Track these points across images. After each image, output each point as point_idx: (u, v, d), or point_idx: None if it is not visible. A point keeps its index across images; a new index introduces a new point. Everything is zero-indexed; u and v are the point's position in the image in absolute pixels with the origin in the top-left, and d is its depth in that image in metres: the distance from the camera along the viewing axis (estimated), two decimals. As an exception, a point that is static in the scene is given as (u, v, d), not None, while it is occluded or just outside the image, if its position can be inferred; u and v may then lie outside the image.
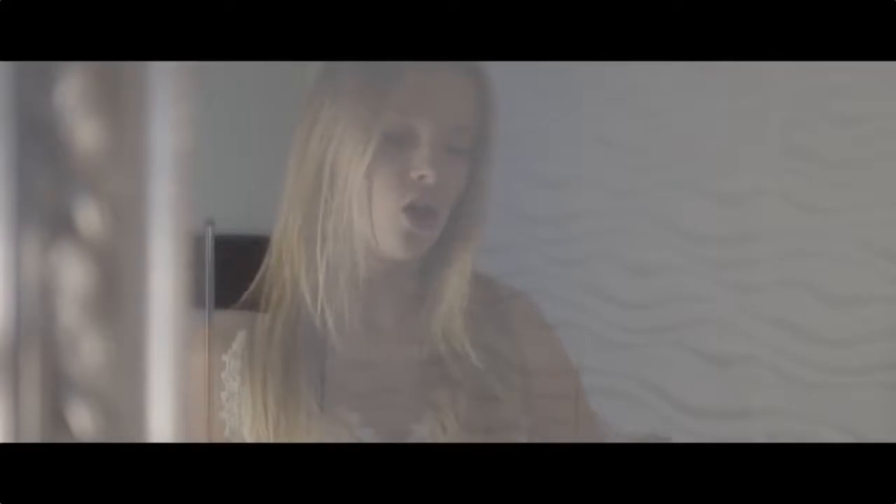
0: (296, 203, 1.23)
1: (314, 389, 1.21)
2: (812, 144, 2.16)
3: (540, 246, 2.77)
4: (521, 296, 1.36)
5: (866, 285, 2.07)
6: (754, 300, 2.28)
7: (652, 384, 2.31)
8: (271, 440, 1.19)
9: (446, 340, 1.26)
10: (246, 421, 1.21)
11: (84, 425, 0.37)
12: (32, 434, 0.37)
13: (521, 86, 1.26)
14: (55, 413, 0.37)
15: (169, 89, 0.38)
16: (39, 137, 0.37)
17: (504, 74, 1.30)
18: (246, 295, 1.28)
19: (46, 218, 0.37)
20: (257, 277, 1.29)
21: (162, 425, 0.38)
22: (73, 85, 0.37)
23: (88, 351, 0.37)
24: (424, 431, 1.22)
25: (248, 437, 1.21)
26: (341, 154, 1.20)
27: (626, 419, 1.69)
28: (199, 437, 1.21)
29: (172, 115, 0.38)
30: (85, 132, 0.37)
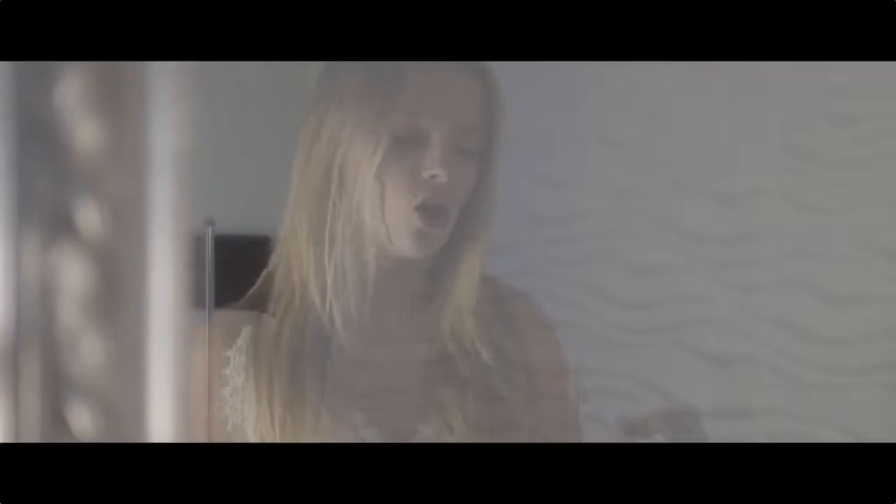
0: (302, 206, 1.23)
1: (316, 389, 1.21)
2: (812, 144, 2.16)
3: (540, 246, 2.78)
4: (522, 296, 1.36)
5: (866, 285, 2.07)
6: (754, 300, 2.28)
7: (652, 384, 2.31)
8: (277, 441, 1.19)
9: (455, 340, 1.26)
10: (249, 417, 1.21)
11: (84, 425, 0.37)
12: (32, 434, 0.37)
13: (522, 86, 1.26)
14: (55, 413, 0.37)
15: (169, 89, 0.38)
16: (39, 137, 0.37)
17: (504, 74, 1.30)
18: (252, 290, 1.28)
19: (46, 218, 0.37)
20: (262, 277, 1.28)
21: (162, 425, 0.38)
22: (73, 85, 0.37)
23: (88, 351, 0.37)
24: (430, 431, 1.22)
25: (251, 434, 1.21)
26: (350, 156, 1.20)
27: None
28: (200, 436, 1.21)
29: (172, 115, 0.38)
30: (85, 132, 0.37)
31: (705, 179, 2.40)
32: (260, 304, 1.25)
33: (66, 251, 0.37)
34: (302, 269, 1.23)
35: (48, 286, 0.37)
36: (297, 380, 1.21)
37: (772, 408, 2.25)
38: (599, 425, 1.26)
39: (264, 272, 1.29)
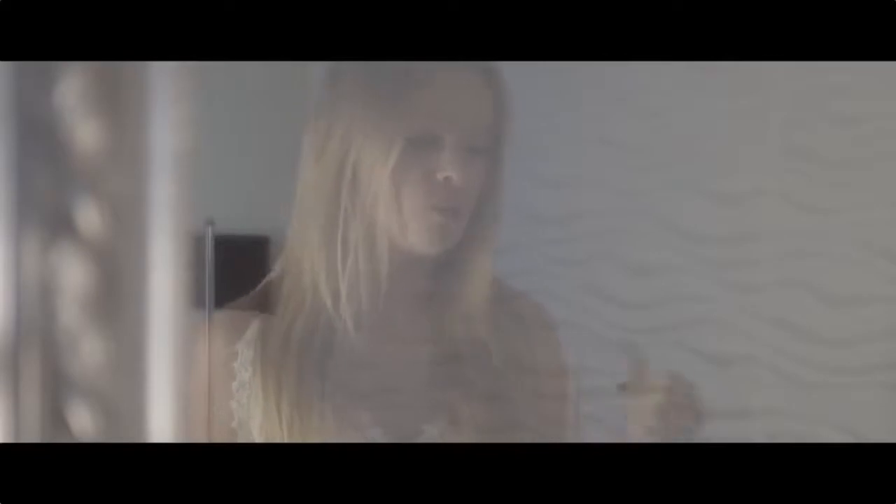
0: (312, 208, 1.23)
1: (324, 388, 1.21)
2: (812, 144, 2.16)
3: (540, 246, 2.78)
4: (523, 296, 1.36)
5: (866, 285, 2.07)
6: (754, 300, 2.28)
7: (652, 384, 2.31)
8: (285, 440, 1.19)
9: (464, 340, 1.26)
10: (255, 415, 1.21)
11: (84, 425, 0.37)
12: (32, 434, 0.37)
13: (522, 86, 1.26)
14: (55, 413, 0.37)
15: (169, 89, 0.38)
16: (39, 137, 0.37)
17: (504, 74, 1.30)
18: (260, 287, 1.28)
19: (46, 218, 0.37)
20: (270, 275, 1.28)
21: (162, 425, 0.38)
22: (73, 85, 0.37)
23: (88, 351, 0.37)
24: (435, 432, 1.23)
25: (257, 432, 1.21)
26: (363, 159, 1.20)
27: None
28: (204, 433, 1.21)
29: (172, 115, 0.38)
30: (85, 132, 0.37)
31: (705, 179, 2.40)
32: (268, 301, 1.25)
33: (66, 251, 0.37)
34: (313, 270, 1.22)
35: (48, 286, 0.37)
36: (306, 381, 1.21)
37: (772, 408, 2.24)
38: (598, 425, 1.26)
39: (272, 271, 1.29)
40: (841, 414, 2.11)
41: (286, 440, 1.19)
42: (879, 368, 2.06)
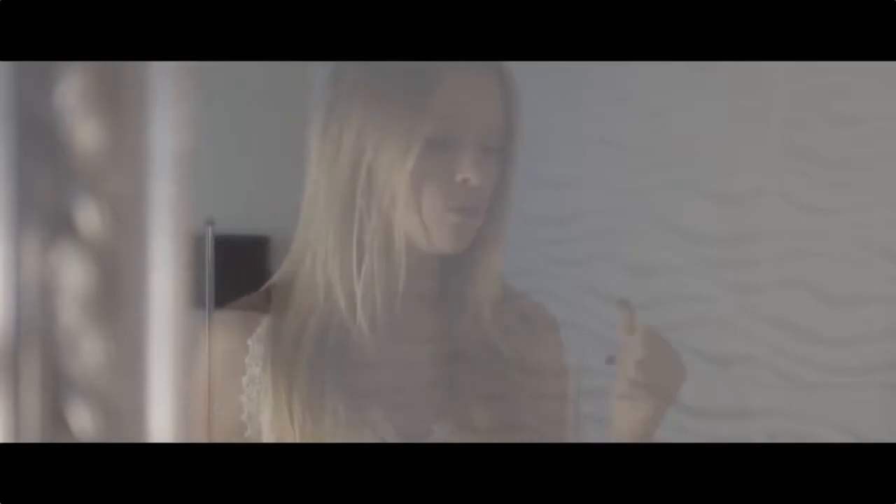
0: (325, 210, 1.23)
1: (335, 388, 1.21)
2: (812, 144, 2.16)
3: (540, 246, 2.78)
4: (522, 296, 1.36)
5: (866, 285, 2.07)
6: (754, 300, 2.28)
7: (652, 384, 2.31)
8: (297, 439, 1.20)
9: (474, 340, 1.27)
10: (265, 410, 1.21)
11: (84, 425, 0.37)
12: (32, 434, 0.37)
13: (522, 86, 1.26)
14: (55, 413, 0.37)
15: (169, 89, 0.38)
16: (39, 137, 0.37)
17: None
18: (269, 283, 1.28)
19: (46, 218, 0.37)
20: (276, 275, 1.28)
21: (162, 425, 0.38)
22: (73, 85, 0.37)
23: (88, 351, 0.37)
24: (445, 431, 1.23)
25: (268, 429, 1.21)
26: (379, 160, 1.19)
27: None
28: (215, 435, 1.22)
29: (172, 115, 0.38)
30: (85, 132, 0.37)
31: (705, 179, 2.41)
32: (277, 299, 1.25)
33: (66, 251, 0.37)
34: (326, 271, 1.22)
35: (48, 286, 0.37)
36: (317, 380, 1.21)
37: (772, 408, 2.25)
38: (599, 425, 1.26)
39: (279, 269, 1.29)
40: (841, 414, 2.11)
41: (297, 439, 1.19)
42: (879, 368, 2.06)
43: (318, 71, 1.32)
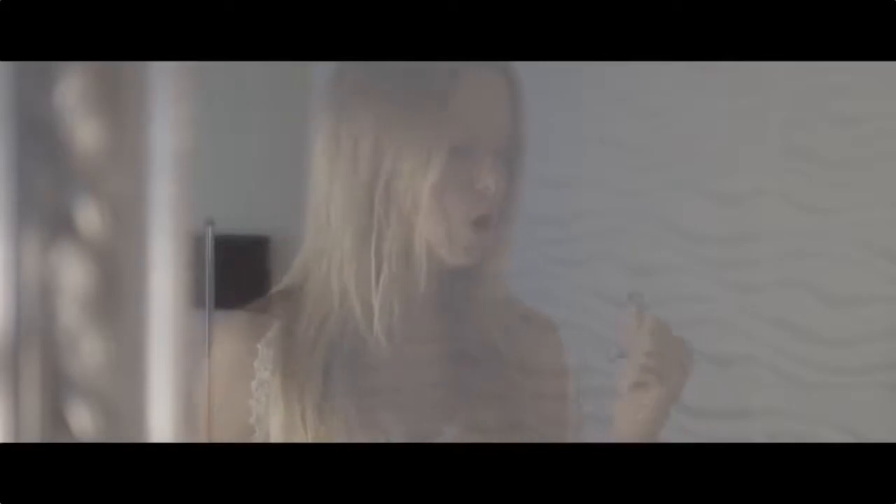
0: (340, 218, 1.21)
1: (348, 392, 1.21)
2: (812, 144, 2.16)
3: (540, 246, 2.78)
4: (518, 301, 1.36)
5: (866, 285, 2.07)
6: (754, 300, 2.28)
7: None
8: (309, 440, 1.20)
9: (480, 341, 1.27)
10: (274, 412, 1.21)
11: (84, 425, 0.37)
12: (32, 434, 0.37)
13: (523, 86, 1.26)
14: (55, 413, 0.37)
15: (169, 89, 0.38)
16: (39, 137, 0.37)
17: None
18: (280, 286, 1.28)
19: (46, 218, 0.37)
20: (286, 280, 1.28)
21: (162, 425, 0.38)
22: (73, 85, 0.37)
23: (88, 351, 0.37)
24: (455, 432, 1.23)
25: (278, 431, 1.21)
26: (401, 169, 1.18)
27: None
28: (224, 432, 1.22)
29: (172, 115, 0.38)
30: (85, 132, 0.37)
31: (705, 179, 2.40)
32: (287, 304, 1.25)
33: (66, 251, 0.37)
34: (343, 278, 1.22)
35: (48, 286, 0.37)
36: (330, 385, 1.21)
37: (772, 408, 2.25)
38: (599, 425, 1.26)
39: (288, 272, 1.28)
40: (841, 414, 2.11)
41: (309, 440, 1.19)
42: (879, 368, 2.06)
43: (319, 71, 1.32)
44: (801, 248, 2.18)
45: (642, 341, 1.19)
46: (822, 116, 2.13)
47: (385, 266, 1.20)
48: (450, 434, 1.23)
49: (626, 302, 1.22)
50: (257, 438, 1.22)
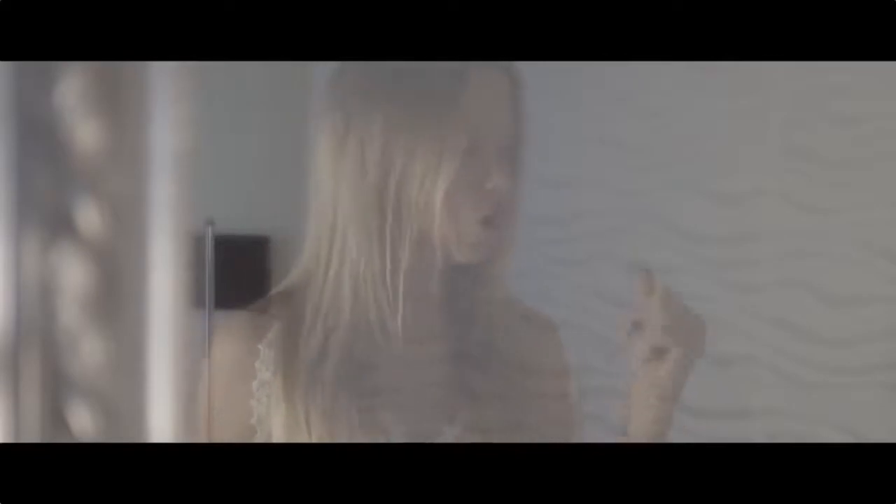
0: (349, 221, 1.21)
1: (352, 394, 1.21)
2: (812, 144, 2.16)
3: (540, 246, 2.78)
4: (518, 302, 1.36)
5: (866, 285, 2.07)
6: (754, 300, 2.28)
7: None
8: (312, 440, 1.20)
9: (482, 341, 1.27)
10: (275, 413, 1.21)
11: (84, 425, 0.37)
12: (32, 434, 0.37)
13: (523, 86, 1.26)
14: (55, 413, 0.37)
15: (169, 89, 0.38)
16: (39, 137, 0.37)
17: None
18: (280, 288, 1.28)
19: (46, 218, 0.37)
20: (287, 280, 1.28)
21: (162, 425, 0.38)
22: (73, 85, 0.37)
23: (88, 351, 0.37)
24: (456, 432, 1.23)
25: (279, 431, 1.21)
26: (412, 172, 1.18)
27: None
28: (227, 433, 1.22)
29: (172, 115, 0.38)
30: (85, 132, 0.37)
31: (705, 179, 2.40)
32: (289, 305, 1.25)
33: (66, 251, 0.37)
34: (354, 279, 1.21)
35: (48, 286, 0.37)
36: (334, 386, 1.21)
37: (772, 408, 2.25)
38: (600, 426, 1.26)
39: (290, 274, 1.28)
40: (841, 414, 2.11)
41: (311, 440, 1.19)
42: (879, 368, 2.06)
43: (319, 71, 1.32)
44: (801, 248, 2.18)
45: (655, 308, 1.19)
46: (822, 116, 2.13)
47: (397, 266, 1.20)
48: (450, 434, 1.23)
49: (637, 272, 1.22)
50: (259, 439, 1.22)
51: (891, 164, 2.03)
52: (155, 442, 0.38)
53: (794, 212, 2.19)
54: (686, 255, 2.42)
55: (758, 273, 2.28)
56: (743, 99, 2.30)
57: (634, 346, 1.18)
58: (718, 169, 2.37)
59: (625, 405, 1.19)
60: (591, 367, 1.34)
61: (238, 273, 3.22)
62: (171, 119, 0.38)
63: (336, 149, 1.22)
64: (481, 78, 1.21)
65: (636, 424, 1.19)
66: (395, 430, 1.21)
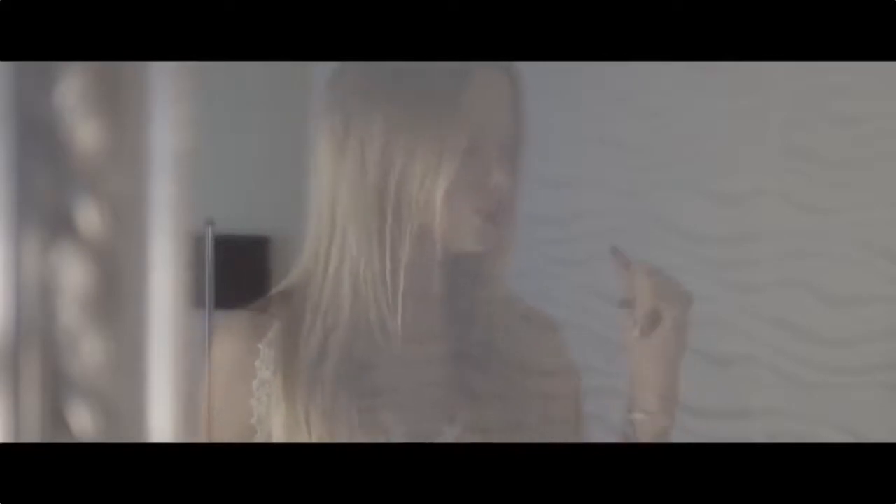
0: (349, 220, 1.22)
1: (352, 395, 1.21)
2: (812, 144, 2.16)
3: (540, 246, 2.78)
4: (519, 300, 1.36)
5: (866, 285, 2.07)
6: (754, 300, 2.28)
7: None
8: (312, 440, 1.20)
9: (482, 340, 1.27)
10: (275, 412, 1.21)
11: (84, 425, 0.37)
12: (32, 434, 0.37)
13: (522, 85, 1.26)
14: (55, 413, 0.37)
15: (169, 89, 0.38)
16: (39, 137, 0.37)
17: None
18: (280, 288, 1.28)
19: (46, 218, 0.37)
20: (287, 280, 1.28)
21: (162, 425, 0.38)
22: (73, 85, 0.37)
23: (88, 351, 0.37)
24: (456, 432, 1.23)
25: (279, 431, 1.21)
26: (412, 171, 1.18)
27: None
28: (226, 432, 1.22)
29: (172, 115, 0.38)
30: (85, 132, 0.37)
31: (705, 179, 2.40)
32: (289, 304, 1.25)
33: (66, 251, 0.37)
34: (354, 278, 1.21)
35: (48, 286, 0.37)
36: (332, 388, 1.21)
37: (772, 408, 2.25)
38: (603, 425, 1.26)
39: (290, 273, 1.28)
40: (841, 414, 2.11)
41: (311, 440, 1.19)
42: (879, 368, 2.06)
43: (319, 71, 1.31)
44: (801, 248, 2.18)
45: (638, 278, 1.19)
46: (822, 116, 2.13)
47: (397, 266, 1.20)
48: (451, 434, 1.23)
49: (610, 256, 1.23)
50: (259, 439, 1.22)
51: (891, 164, 2.03)
52: (155, 442, 0.38)
53: (794, 212, 2.19)
54: (686, 255, 2.42)
55: (758, 273, 2.28)
56: (743, 99, 2.30)
57: (629, 322, 1.19)
58: (718, 169, 2.37)
59: (629, 385, 1.20)
60: (591, 367, 1.34)
61: (238, 273, 3.22)
62: (171, 119, 0.38)
63: (336, 149, 1.22)
64: (481, 78, 1.21)
65: (641, 405, 1.19)
66: (394, 429, 1.21)
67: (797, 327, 2.19)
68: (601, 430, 1.32)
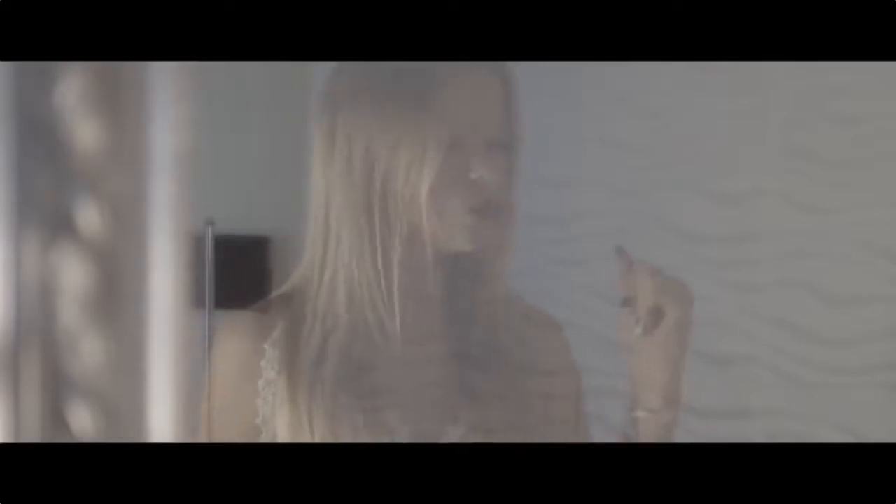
0: (341, 220, 1.22)
1: (353, 396, 1.21)
2: (812, 144, 2.16)
3: (540, 246, 2.78)
4: (519, 299, 1.36)
5: (866, 285, 2.07)
6: (754, 300, 2.28)
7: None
8: (315, 440, 1.20)
9: (484, 340, 1.27)
10: (280, 412, 1.21)
11: (84, 425, 0.37)
12: (32, 434, 0.37)
13: (522, 86, 1.26)
14: (55, 413, 0.37)
15: (169, 89, 0.38)
16: (39, 137, 0.37)
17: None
18: (283, 289, 1.28)
19: (46, 218, 0.37)
20: (290, 282, 1.28)
21: (162, 425, 0.38)
22: (73, 85, 0.37)
23: (88, 351, 0.37)
24: (460, 432, 1.23)
25: (284, 430, 1.21)
26: (396, 168, 1.19)
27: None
28: (232, 432, 1.22)
29: (172, 115, 0.38)
30: (85, 132, 0.37)
31: (705, 179, 2.41)
32: (293, 303, 1.25)
33: (66, 251, 0.37)
34: (349, 279, 1.22)
35: (48, 286, 0.37)
36: (337, 386, 1.21)
37: (772, 408, 2.25)
38: (603, 425, 1.26)
39: (295, 273, 1.28)
40: (841, 414, 2.11)
41: (314, 440, 1.19)
42: (879, 368, 2.06)
43: (319, 71, 1.32)
44: (801, 248, 2.18)
45: (640, 277, 1.19)
46: (822, 116, 2.13)
47: (390, 266, 1.20)
48: (454, 434, 1.23)
49: (614, 255, 1.23)
50: (264, 439, 1.22)
51: (891, 164, 2.03)
52: (155, 442, 0.38)
53: (794, 212, 2.19)
54: (686, 255, 2.42)
55: (758, 273, 2.28)
56: (743, 99, 2.30)
57: (631, 320, 1.18)
58: (718, 169, 2.37)
59: (630, 384, 1.19)
60: (591, 367, 1.34)
61: (238, 273, 3.22)
62: (171, 119, 0.38)
63: (325, 149, 1.23)
64: (466, 75, 1.21)
65: (644, 404, 1.18)
66: (398, 430, 1.21)
67: (797, 327, 2.19)
68: (601, 430, 1.32)
